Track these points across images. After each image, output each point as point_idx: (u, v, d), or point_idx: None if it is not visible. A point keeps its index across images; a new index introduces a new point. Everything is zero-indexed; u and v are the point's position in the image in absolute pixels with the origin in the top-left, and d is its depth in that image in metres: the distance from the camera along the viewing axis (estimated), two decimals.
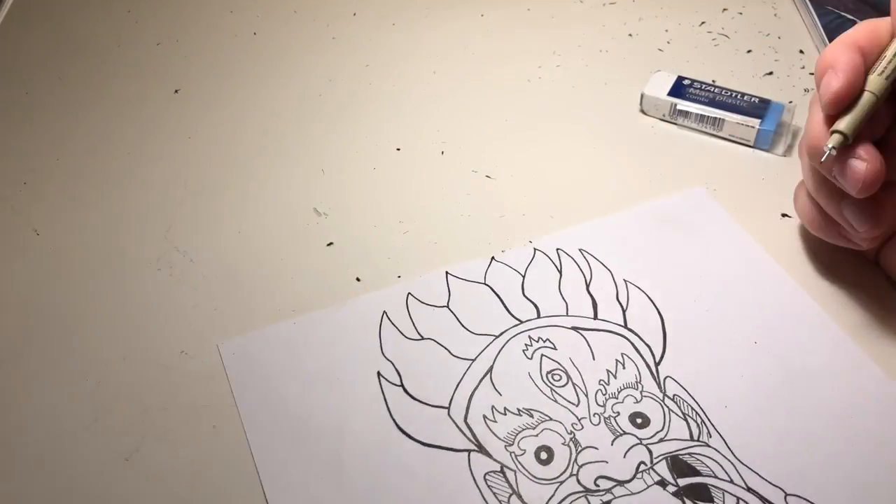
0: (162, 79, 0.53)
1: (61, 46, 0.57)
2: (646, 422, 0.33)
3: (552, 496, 0.31)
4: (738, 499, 0.31)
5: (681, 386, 0.34)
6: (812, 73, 0.49)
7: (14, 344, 0.38)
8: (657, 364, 0.35)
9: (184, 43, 0.56)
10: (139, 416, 0.35)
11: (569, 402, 0.34)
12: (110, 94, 0.53)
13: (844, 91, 0.32)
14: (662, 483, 0.31)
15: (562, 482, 0.31)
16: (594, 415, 0.33)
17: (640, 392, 0.34)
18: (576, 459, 0.32)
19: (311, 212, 0.44)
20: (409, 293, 0.38)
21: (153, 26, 0.58)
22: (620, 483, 0.31)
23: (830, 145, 0.32)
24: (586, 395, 0.34)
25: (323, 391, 0.35)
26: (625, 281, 0.38)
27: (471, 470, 0.32)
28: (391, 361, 0.36)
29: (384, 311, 0.38)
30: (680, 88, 0.47)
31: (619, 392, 0.34)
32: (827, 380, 0.34)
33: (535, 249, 0.40)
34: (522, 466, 0.32)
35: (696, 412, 0.33)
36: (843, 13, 0.52)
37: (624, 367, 0.35)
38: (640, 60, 0.51)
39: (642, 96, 0.47)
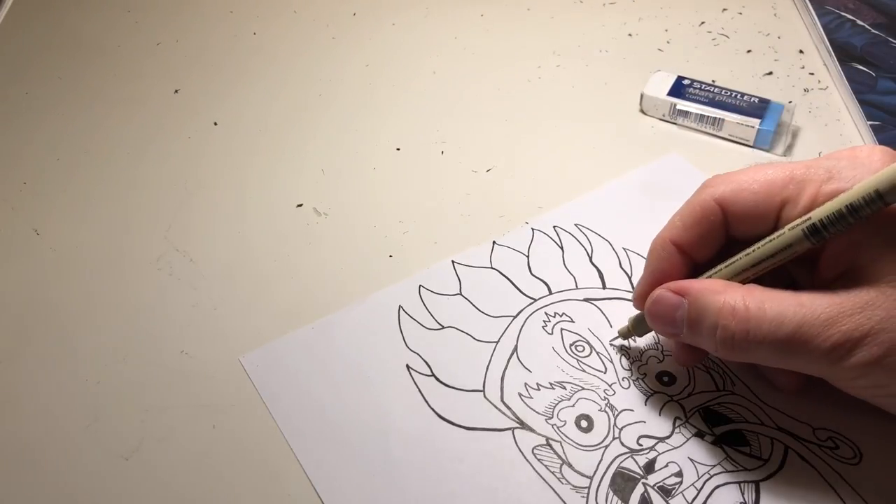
0: (162, 79, 0.53)
1: (61, 46, 0.57)
2: (672, 379, 0.34)
3: (601, 460, 0.32)
4: (772, 439, 0.32)
5: None
6: (812, 74, 0.49)
7: (14, 344, 0.38)
8: None
9: (184, 43, 0.56)
10: (139, 416, 0.35)
11: (596, 370, 0.35)
12: (110, 94, 0.53)
13: (639, 301, 0.33)
14: (700, 434, 0.33)
15: (606, 446, 0.33)
16: (623, 379, 0.35)
17: (661, 352, 0.35)
18: (615, 423, 0.33)
19: (311, 212, 0.44)
20: (421, 285, 0.39)
21: (153, 26, 0.58)
22: (661, 439, 0.33)
23: (618, 333, 0.35)
24: (611, 362, 0.35)
25: (355, 391, 0.35)
26: (624, 249, 0.40)
27: (518, 446, 0.33)
28: (417, 353, 0.36)
29: (400, 306, 0.38)
30: (680, 88, 0.47)
31: (641, 355, 0.35)
32: None
33: (532, 229, 0.41)
34: (566, 436, 0.33)
35: (717, 364, 0.35)
36: (843, 13, 0.52)
37: None
38: (640, 60, 0.51)
39: (642, 96, 0.47)
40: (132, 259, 0.42)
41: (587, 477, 0.32)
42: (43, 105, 0.52)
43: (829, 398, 0.32)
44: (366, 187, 0.45)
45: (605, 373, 0.35)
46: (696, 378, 0.34)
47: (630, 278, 0.38)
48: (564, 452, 0.33)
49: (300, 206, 0.44)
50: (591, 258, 0.39)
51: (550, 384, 0.35)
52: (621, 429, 0.33)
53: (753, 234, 0.31)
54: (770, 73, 0.50)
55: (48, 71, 0.55)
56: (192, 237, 0.43)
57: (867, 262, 0.28)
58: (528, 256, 0.40)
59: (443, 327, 0.37)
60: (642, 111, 0.48)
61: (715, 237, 0.32)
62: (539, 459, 0.32)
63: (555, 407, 0.34)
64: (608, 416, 0.33)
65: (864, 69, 0.48)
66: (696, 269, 0.33)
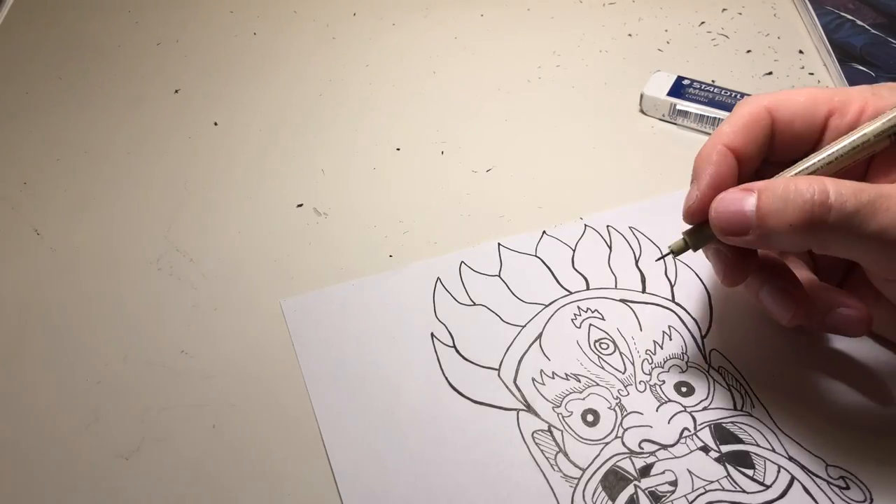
0: (162, 79, 0.53)
1: (61, 46, 0.57)
2: (690, 391, 0.34)
3: (597, 455, 0.32)
4: (780, 467, 0.31)
5: (726, 358, 0.35)
6: (812, 74, 0.49)
7: (14, 344, 0.38)
8: (703, 337, 0.36)
9: (184, 43, 0.56)
10: (139, 416, 0.35)
11: (615, 369, 0.35)
12: (110, 94, 0.53)
13: (698, 209, 0.31)
14: (705, 449, 0.32)
15: (607, 443, 0.33)
16: (640, 382, 0.35)
17: (686, 363, 0.35)
18: (621, 423, 0.33)
19: (311, 212, 0.44)
20: (462, 262, 0.40)
21: (153, 26, 0.58)
22: (664, 447, 0.32)
23: (668, 249, 0.33)
24: (633, 364, 0.35)
25: (379, 349, 0.37)
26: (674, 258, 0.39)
27: (519, 428, 0.33)
28: (444, 324, 0.37)
29: (438, 278, 0.39)
30: (679, 88, 0.47)
31: (664, 362, 0.35)
32: (870, 352, 0.34)
33: (585, 225, 0.41)
34: (569, 427, 0.33)
35: (741, 383, 0.34)
36: (842, 13, 0.52)
37: (671, 339, 0.36)
38: (639, 60, 0.51)
39: (642, 96, 0.47)
40: (132, 259, 0.42)
41: (580, 469, 0.32)
42: (43, 105, 0.52)
43: (853, 435, 0.32)
44: (366, 187, 0.45)
45: (623, 373, 0.35)
46: (715, 393, 0.34)
47: (672, 287, 0.38)
48: (563, 441, 0.33)
49: (300, 206, 0.44)
50: (637, 261, 0.39)
51: (566, 375, 0.35)
52: (626, 429, 0.33)
53: (797, 147, 0.31)
54: (770, 74, 0.50)
55: (48, 71, 0.55)
56: (192, 237, 0.43)
57: None
58: (574, 250, 0.40)
59: (474, 304, 0.38)
60: (642, 111, 0.48)
61: (763, 144, 0.32)
62: (537, 444, 0.33)
63: (565, 397, 0.34)
64: (616, 414, 0.33)
65: (864, 69, 0.48)
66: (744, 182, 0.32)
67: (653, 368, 0.35)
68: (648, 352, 0.35)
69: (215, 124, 0.50)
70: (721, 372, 0.35)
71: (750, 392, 0.34)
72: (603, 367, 0.35)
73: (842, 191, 0.27)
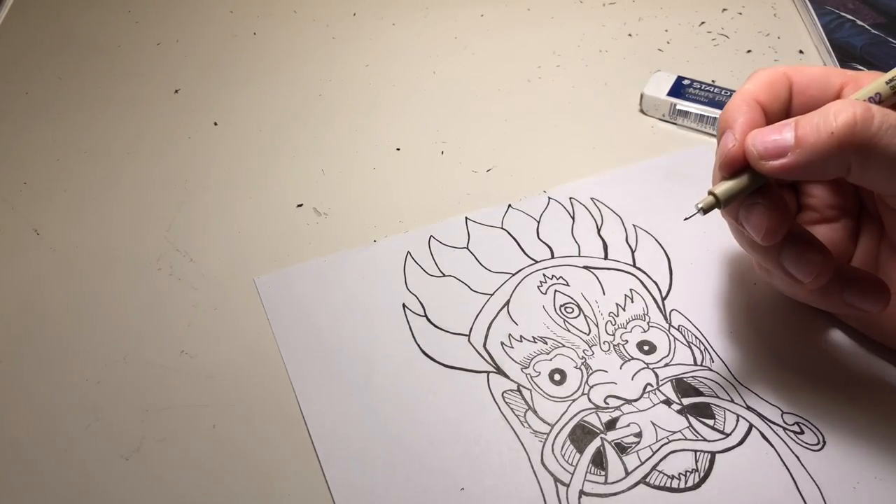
0: (162, 79, 0.53)
1: (61, 46, 0.57)
2: (652, 349, 0.35)
3: (565, 412, 0.34)
4: (739, 416, 0.33)
5: (685, 317, 0.37)
6: None
7: (14, 344, 0.38)
8: (664, 298, 0.37)
9: (184, 43, 0.56)
10: (139, 416, 0.35)
11: (580, 331, 0.36)
12: (110, 94, 0.53)
13: (737, 153, 0.30)
14: (668, 402, 0.34)
15: (574, 400, 0.34)
16: (604, 342, 0.36)
17: (648, 323, 0.37)
18: (587, 381, 0.35)
19: (311, 212, 0.44)
20: (432, 236, 0.41)
21: (153, 26, 0.58)
22: (628, 401, 0.34)
23: (700, 206, 0.31)
24: (597, 326, 0.36)
25: (352, 321, 0.37)
26: (634, 226, 0.41)
27: (490, 388, 0.35)
28: (415, 295, 0.38)
29: (408, 252, 0.40)
30: (679, 88, 0.47)
31: (627, 323, 0.37)
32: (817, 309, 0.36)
33: (549, 198, 0.43)
34: (537, 386, 0.35)
35: (700, 340, 0.36)
36: (842, 13, 0.52)
37: (632, 301, 0.37)
38: (639, 60, 0.51)
39: (642, 96, 0.47)
40: (132, 259, 0.42)
41: (549, 424, 0.33)
42: (43, 105, 0.52)
43: (806, 384, 0.33)
44: (366, 187, 0.45)
45: (587, 335, 0.36)
46: (675, 350, 0.35)
47: (633, 253, 0.39)
48: (532, 400, 0.34)
49: (300, 206, 0.44)
50: (599, 230, 0.41)
51: (533, 338, 0.36)
52: (592, 387, 0.34)
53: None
54: None
55: (48, 71, 0.55)
56: (192, 237, 0.43)
57: None
58: (538, 222, 0.41)
59: (444, 275, 0.39)
60: (642, 111, 0.48)
61: (784, 103, 0.32)
62: (507, 403, 0.34)
63: (532, 359, 0.36)
64: (582, 373, 0.35)
65: (864, 69, 0.48)
66: None
67: (616, 329, 0.36)
68: (611, 314, 0.37)
69: (215, 124, 0.50)
70: (681, 330, 0.36)
71: (709, 348, 0.35)
72: (568, 330, 0.36)
73: (884, 108, 0.27)
